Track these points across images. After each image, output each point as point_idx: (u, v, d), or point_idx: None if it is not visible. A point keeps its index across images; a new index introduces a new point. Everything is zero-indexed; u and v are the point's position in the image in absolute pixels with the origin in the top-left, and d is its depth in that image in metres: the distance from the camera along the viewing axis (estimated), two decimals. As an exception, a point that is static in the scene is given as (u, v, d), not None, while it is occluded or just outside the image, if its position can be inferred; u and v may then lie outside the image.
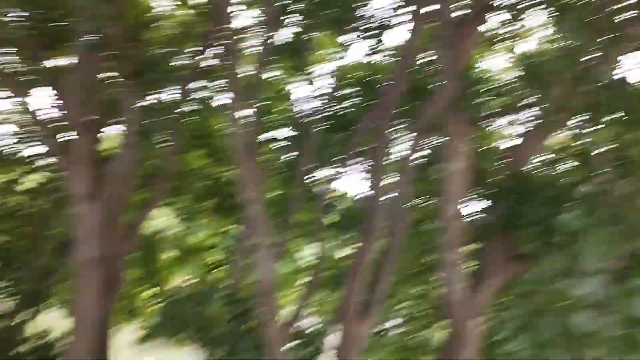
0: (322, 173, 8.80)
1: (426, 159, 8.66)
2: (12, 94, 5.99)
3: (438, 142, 9.55)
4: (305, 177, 7.53)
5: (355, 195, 8.64)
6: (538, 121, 4.23)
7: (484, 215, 4.39)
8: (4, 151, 8.49)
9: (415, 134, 5.99)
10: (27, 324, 7.91)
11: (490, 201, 4.25)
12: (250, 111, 6.07)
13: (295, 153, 7.96)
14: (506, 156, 4.36)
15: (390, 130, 5.98)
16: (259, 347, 5.20)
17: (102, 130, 7.03)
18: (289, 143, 7.57)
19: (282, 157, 8.41)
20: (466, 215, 3.99)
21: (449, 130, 3.73)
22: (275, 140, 8.89)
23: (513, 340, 2.87)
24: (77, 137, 5.33)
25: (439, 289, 12.01)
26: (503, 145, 9.33)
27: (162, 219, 17.44)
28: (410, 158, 6.01)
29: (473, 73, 6.19)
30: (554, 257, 2.96)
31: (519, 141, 4.46)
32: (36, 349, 6.67)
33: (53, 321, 7.50)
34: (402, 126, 9.17)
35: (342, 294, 5.40)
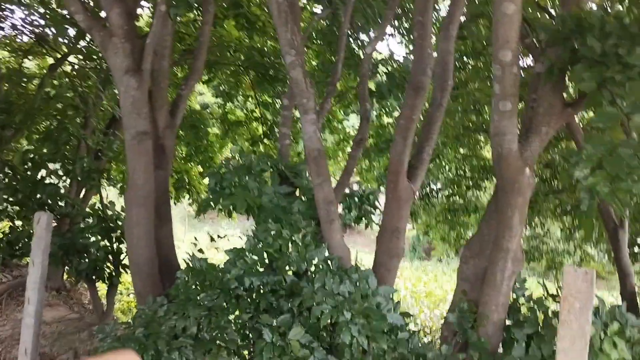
0: (364, 36, 8.51)
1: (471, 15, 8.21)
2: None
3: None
4: (347, 41, 7.28)
5: (400, 56, 8.34)
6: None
7: (538, 62, 4.14)
8: (41, 34, 8.49)
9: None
10: (86, 201, 8.38)
11: (544, 48, 3.98)
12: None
13: (336, 15, 7.66)
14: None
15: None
16: (309, 209, 5.33)
17: (138, 3, 6.84)
18: (329, 5, 7.22)
19: (322, 21, 8.10)
20: (520, 63, 3.77)
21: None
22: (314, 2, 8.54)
23: (591, 177, 2.81)
24: (113, 11, 5.19)
25: (484, 150, 12.02)
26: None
27: (205, 95, 17.56)
28: (454, 13, 5.69)
29: None
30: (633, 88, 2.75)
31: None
32: (98, 222, 7.02)
33: (111, 197, 7.85)
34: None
35: (391, 156, 5.39)
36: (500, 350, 4.47)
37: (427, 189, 12.16)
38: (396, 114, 10.56)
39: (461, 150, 11.28)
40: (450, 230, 13.17)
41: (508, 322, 4.46)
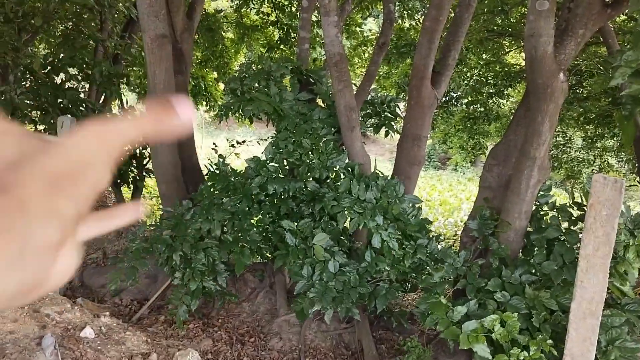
0: None
1: None
2: None
3: None
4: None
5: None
6: None
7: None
8: None
9: None
10: (106, 106, 8.35)
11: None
12: None
13: None
14: None
15: None
16: (330, 117, 5.27)
17: None
18: None
19: None
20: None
21: None
22: None
23: (634, 84, 2.69)
24: None
25: (508, 56, 11.63)
26: None
27: (218, 1, 17.00)
28: None
29: None
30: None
31: None
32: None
33: (130, 103, 7.80)
34: None
35: (414, 60, 5.22)
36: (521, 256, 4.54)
37: (447, 97, 11.93)
38: (418, 16, 10.16)
39: (484, 56, 10.91)
40: (469, 139, 13.05)
41: (530, 230, 4.49)
